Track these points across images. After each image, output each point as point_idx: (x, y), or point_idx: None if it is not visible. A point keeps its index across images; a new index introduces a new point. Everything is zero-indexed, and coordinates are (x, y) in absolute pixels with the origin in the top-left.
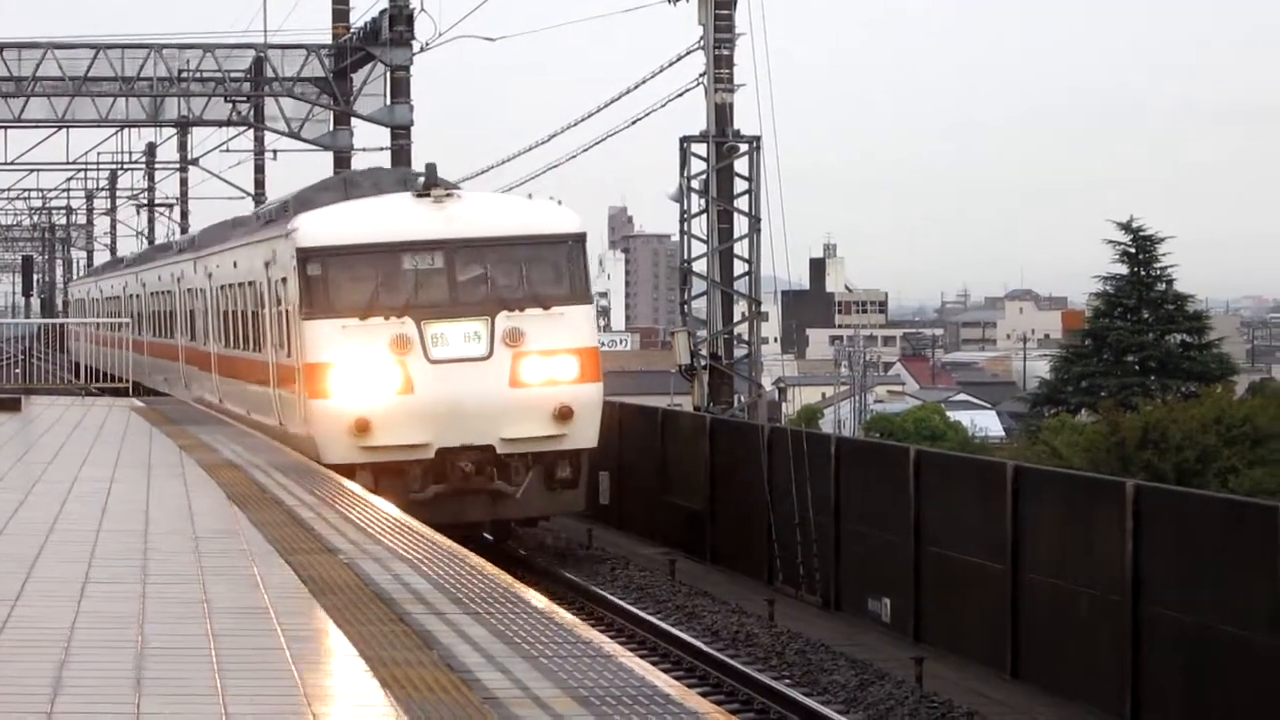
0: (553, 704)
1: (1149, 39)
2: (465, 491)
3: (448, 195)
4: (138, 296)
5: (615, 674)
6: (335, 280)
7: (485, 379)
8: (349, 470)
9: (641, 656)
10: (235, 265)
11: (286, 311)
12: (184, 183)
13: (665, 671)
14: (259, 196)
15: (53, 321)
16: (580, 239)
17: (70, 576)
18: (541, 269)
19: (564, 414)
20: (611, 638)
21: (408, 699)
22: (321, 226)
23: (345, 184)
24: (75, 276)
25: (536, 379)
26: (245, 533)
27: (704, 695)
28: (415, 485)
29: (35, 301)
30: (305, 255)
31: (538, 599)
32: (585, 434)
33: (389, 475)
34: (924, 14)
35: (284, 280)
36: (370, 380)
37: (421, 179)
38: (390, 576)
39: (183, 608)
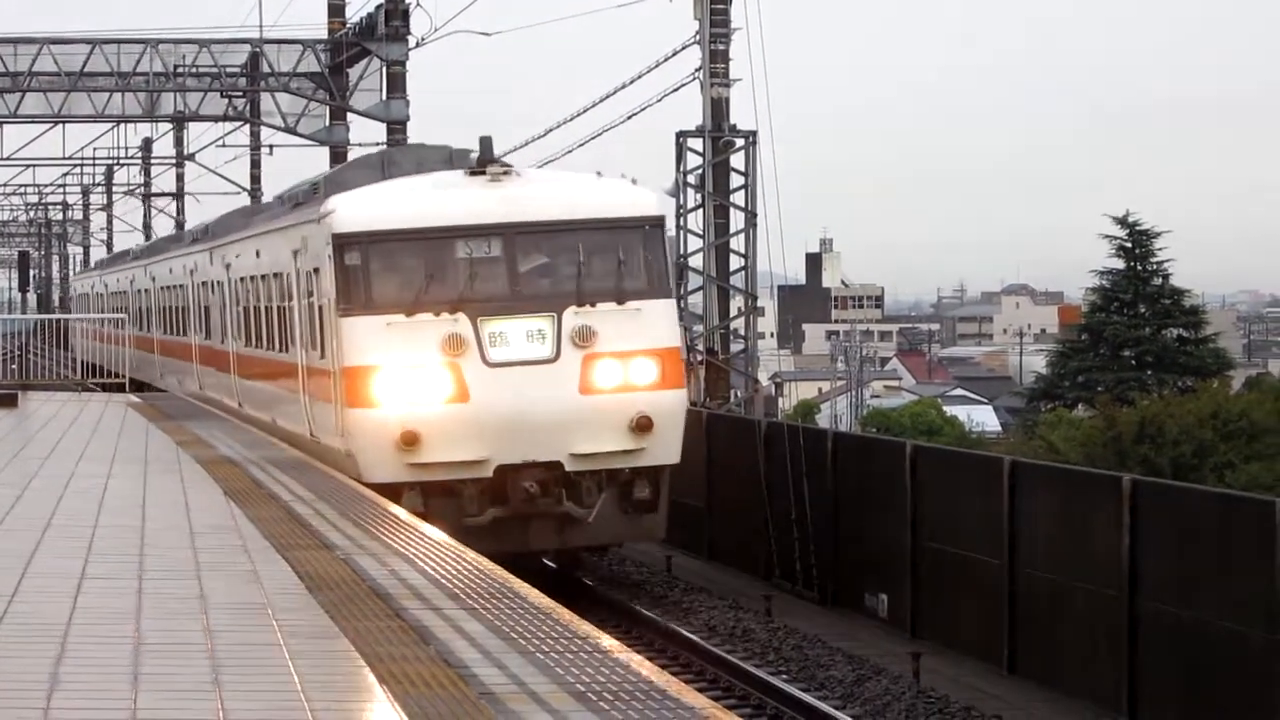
0: (549, 699)
1: (1149, 37)
2: (529, 515)
3: (505, 173)
4: (146, 291)
5: (612, 669)
6: (377, 271)
7: (551, 385)
8: (394, 491)
9: (638, 652)
10: (258, 255)
11: (319, 307)
12: (180, 178)
13: (662, 667)
14: (255, 192)
15: (49, 317)
16: (659, 223)
17: (67, 572)
18: (615, 258)
19: (642, 425)
20: (609, 634)
21: (404, 694)
22: (361, 209)
23: (383, 162)
24: (76, 271)
25: (610, 384)
26: (242, 528)
27: (701, 690)
28: (471, 508)
29: (32, 297)
30: (342, 242)
31: (535, 595)
32: (667, 448)
33: (440, 496)
34: (924, 12)
35: (316, 271)
36: (418, 386)
37: (474, 155)
38: (387, 572)
39: (179, 603)
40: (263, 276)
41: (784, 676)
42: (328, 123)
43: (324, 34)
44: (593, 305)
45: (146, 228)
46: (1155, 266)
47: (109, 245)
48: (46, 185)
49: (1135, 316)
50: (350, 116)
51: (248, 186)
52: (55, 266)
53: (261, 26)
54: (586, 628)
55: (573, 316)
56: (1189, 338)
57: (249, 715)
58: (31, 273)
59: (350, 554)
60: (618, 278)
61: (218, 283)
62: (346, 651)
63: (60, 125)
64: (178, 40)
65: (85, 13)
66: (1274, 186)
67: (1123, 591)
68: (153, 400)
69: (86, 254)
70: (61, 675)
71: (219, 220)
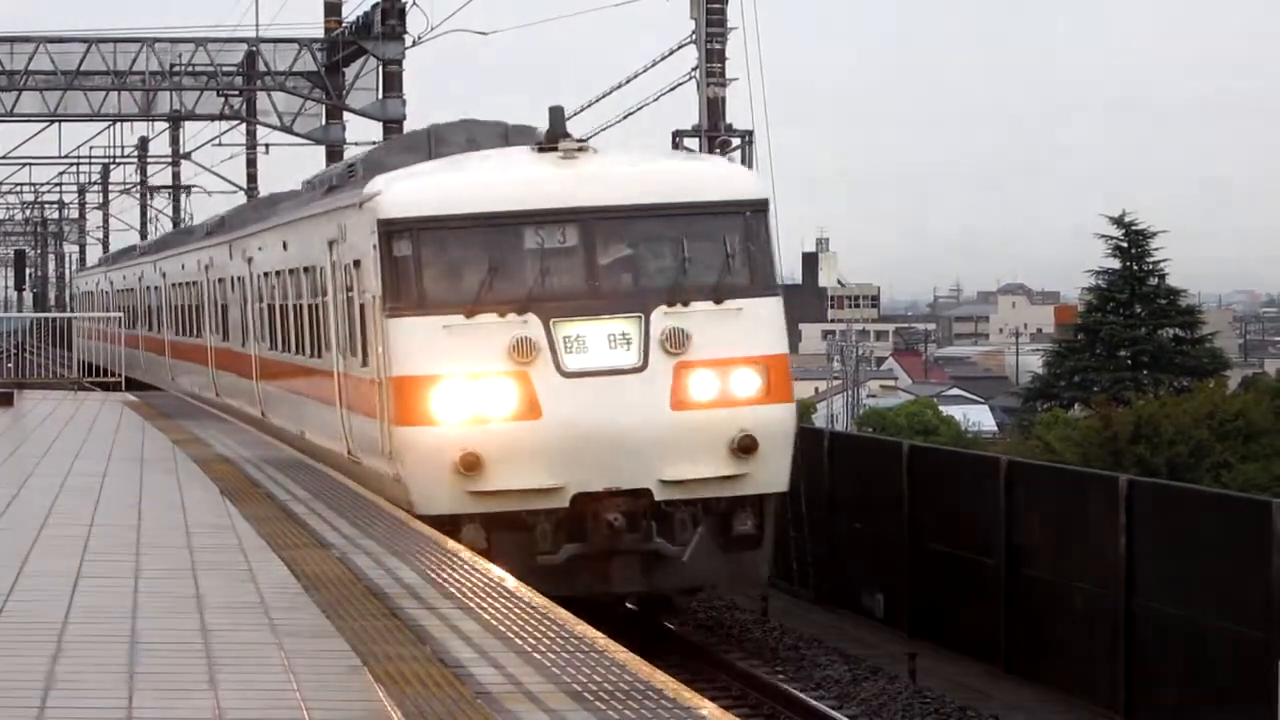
0: (545, 699)
1: (1152, 34)
2: (612, 553)
3: (580, 149)
4: (156, 288)
5: (608, 669)
6: (432, 263)
7: (638, 399)
8: (452, 524)
9: (634, 651)
10: (285, 247)
11: (361, 305)
12: (176, 177)
13: (658, 667)
14: (251, 190)
15: (45, 316)
16: (762, 208)
17: (63, 571)
18: (712, 248)
19: (745, 446)
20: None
21: (400, 694)
22: (412, 191)
23: (430, 140)
24: (77, 268)
25: (707, 398)
26: (238, 527)
27: (697, 690)
28: (543, 545)
29: (28, 296)
30: (390, 229)
31: (531, 594)
32: (773, 474)
33: (507, 531)
34: (923, 9)
35: (356, 264)
36: (481, 400)
37: (539, 130)
38: (383, 571)
39: (175, 602)
40: (290, 271)
41: (780, 676)
42: (324, 122)
43: (320, 33)
44: (686, 305)
45: (143, 226)
46: (1151, 266)
47: (105, 244)
48: (43, 184)
49: (1131, 316)
50: (346, 116)
51: (244, 185)
52: (51, 265)
53: (258, 25)
54: (583, 628)
55: (663, 318)
56: (1185, 338)
57: (245, 714)
58: (28, 271)
59: (346, 553)
60: (715, 272)
61: (237, 279)
62: (342, 651)
63: (56, 124)
64: (174, 39)
65: (81, 11)
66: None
67: (1119, 591)
68: (148, 399)
69: (83, 253)
70: (58, 674)
71: (237, 211)
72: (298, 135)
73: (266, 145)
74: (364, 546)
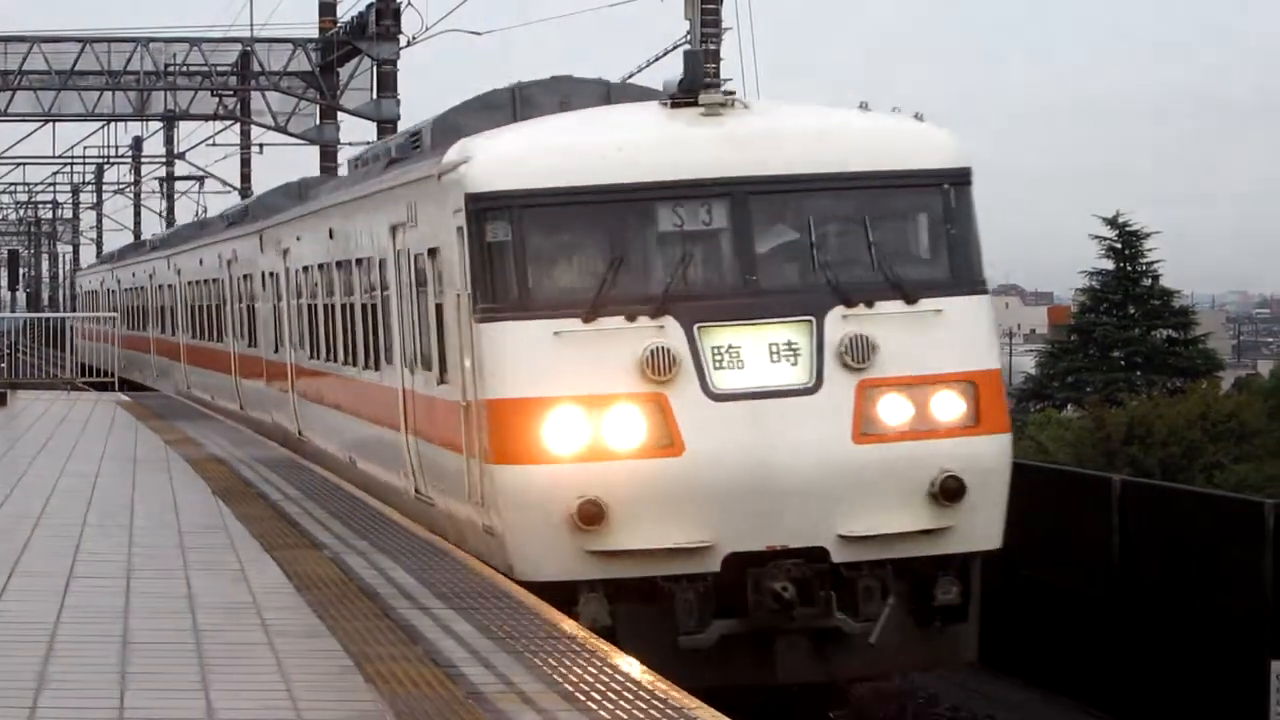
0: (538, 699)
1: (1155, 31)
2: (778, 632)
3: (728, 102)
4: (170, 287)
5: (600, 669)
6: (540, 250)
7: (810, 428)
8: (566, 594)
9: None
10: (331, 235)
11: (437, 307)
12: (170, 176)
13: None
14: (245, 190)
15: (40, 316)
16: (965, 178)
17: (55, 571)
18: (901, 231)
19: (949, 490)
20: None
21: (393, 694)
22: (512, 156)
23: (515, 100)
24: (74, 268)
25: (900, 427)
26: (230, 527)
27: (689, 691)
28: (686, 622)
29: (21, 296)
30: (484, 207)
31: (523, 595)
32: (984, 525)
33: (639, 603)
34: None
35: (432, 253)
36: (606, 431)
37: (677, 82)
38: (375, 571)
39: (167, 602)
40: (339, 264)
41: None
42: (318, 122)
43: (315, 33)
44: (870, 305)
45: (137, 226)
46: (1145, 267)
47: (98, 244)
48: (36, 184)
49: (1125, 317)
50: (341, 116)
51: (238, 185)
52: (45, 265)
53: (252, 25)
54: (574, 627)
55: (841, 322)
56: (1178, 338)
57: (237, 714)
58: (21, 271)
59: (339, 553)
60: (908, 262)
61: (269, 274)
62: (334, 651)
63: (50, 124)
64: (168, 39)
65: (76, 11)
66: (1266, 187)
67: (1113, 591)
68: (141, 400)
69: (76, 253)
70: (49, 674)
71: (264, 198)
72: (292, 135)
73: (261, 145)
74: (356, 547)
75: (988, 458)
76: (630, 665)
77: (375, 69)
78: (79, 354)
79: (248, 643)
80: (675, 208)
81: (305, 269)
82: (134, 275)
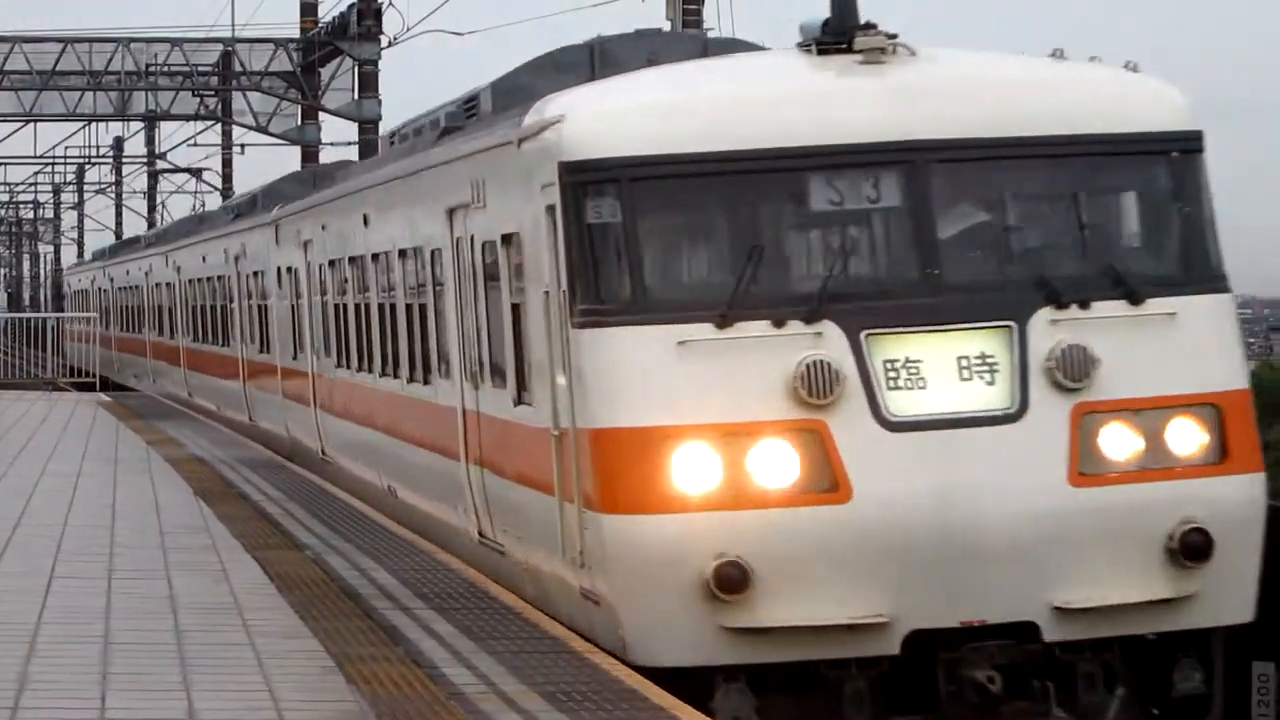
0: (519, 700)
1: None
2: None
3: (888, 50)
4: (168, 285)
5: (580, 670)
6: (659, 236)
7: (1014, 468)
8: (700, 680)
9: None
10: (366, 223)
11: (514, 308)
12: (152, 176)
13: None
14: (227, 191)
15: (21, 316)
16: (1196, 144)
17: (36, 571)
18: (1120, 211)
19: (1193, 547)
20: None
21: (374, 695)
22: (620, 116)
23: (594, 58)
24: (55, 267)
25: (1129, 464)
26: (212, 528)
27: (669, 690)
28: (859, 716)
29: (1, 296)
30: (585, 179)
31: (506, 596)
32: (1234, 593)
33: (794, 695)
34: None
35: (507, 240)
36: (748, 470)
37: (819, 25)
38: (357, 572)
39: (149, 603)
40: (375, 257)
41: None
42: (299, 122)
43: (296, 33)
44: (1085, 306)
45: (119, 226)
46: None
47: (80, 244)
48: (17, 184)
49: None
50: (322, 116)
51: (219, 186)
52: (26, 265)
53: (234, 25)
54: (556, 628)
55: (1048, 329)
56: None
57: (218, 714)
58: (1, 272)
59: (320, 554)
60: (1129, 251)
61: (287, 270)
62: (316, 651)
63: (31, 124)
64: (149, 39)
65: (57, 11)
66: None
67: None
68: (122, 400)
69: (58, 253)
70: (31, 674)
71: (274, 186)
72: (273, 135)
73: (242, 146)
74: (338, 547)
75: (1238, 504)
76: (613, 667)
77: (357, 69)
78: (69, 356)
79: (229, 643)
80: (832, 180)
81: (332, 263)
82: (128, 273)
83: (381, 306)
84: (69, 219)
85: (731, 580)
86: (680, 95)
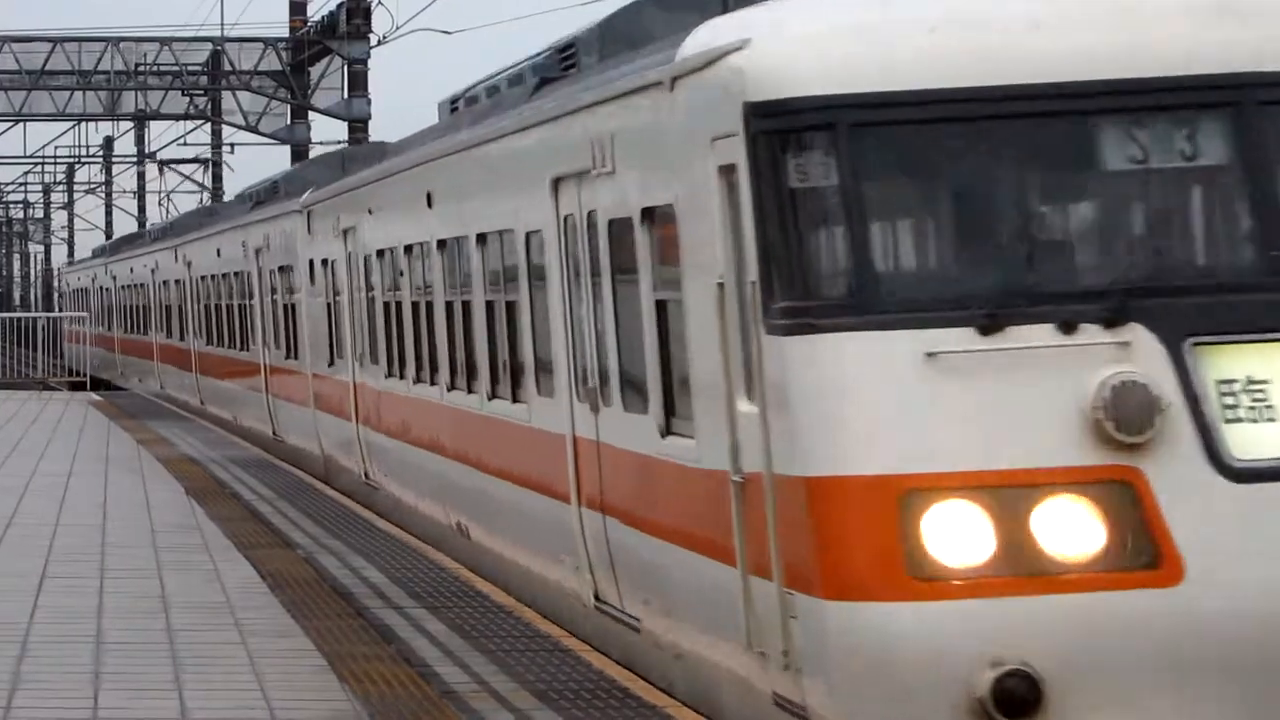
0: (511, 698)
1: None
2: None
3: None
4: (177, 283)
5: (573, 669)
6: (890, 206)
7: None
8: None
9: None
10: (430, 203)
11: (655, 305)
12: (141, 175)
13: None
14: (217, 190)
15: (12, 316)
16: None
17: (28, 571)
18: None
19: None
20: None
21: (366, 693)
22: (830, 38)
23: None
24: (45, 266)
25: None
26: (203, 527)
27: (661, 690)
28: None
29: None
30: (785, 126)
31: (497, 594)
32: None
33: None
34: None
35: (648, 216)
36: (1032, 539)
37: None
38: (348, 571)
39: (141, 602)
40: (440, 244)
41: None
42: (289, 121)
43: (285, 32)
44: None
45: (109, 226)
46: None
47: (70, 244)
48: (7, 184)
49: None
50: (311, 115)
51: (209, 185)
52: (16, 264)
53: (223, 25)
54: (549, 627)
55: None
56: None
57: (210, 714)
58: None
59: (312, 553)
60: None
61: (322, 263)
62: (308, 650)
63: (21, 123)
64: (139, 39)
65: (47, 11)
66: None
67: None
68: (113, 399)
69: (48, 252)
70: (23, 674)
71: (297, 173)
72: (263, 134)
73: (232, 145)
74: (330, 546)
75: None
76: (604, 665)
77: (346, 68)
78: (68, 358)
79: (221, 642)
80: (1132, 130)
81: (380, 253)
82: (132, 271)
83: (450, 305)
84: (59, 218)
85: (1016, 698)
86: (917, 10)
